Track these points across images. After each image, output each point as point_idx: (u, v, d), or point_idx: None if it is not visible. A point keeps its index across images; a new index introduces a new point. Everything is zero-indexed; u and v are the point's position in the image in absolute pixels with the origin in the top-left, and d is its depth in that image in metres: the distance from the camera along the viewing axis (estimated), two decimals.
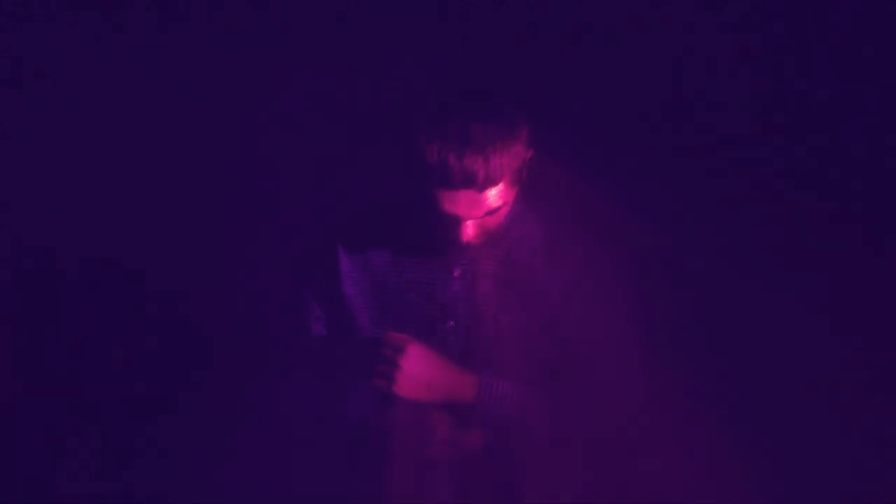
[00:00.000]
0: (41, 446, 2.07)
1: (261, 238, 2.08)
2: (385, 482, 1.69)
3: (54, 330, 2.12)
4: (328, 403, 1.75)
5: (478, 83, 1.66)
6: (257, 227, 2.09)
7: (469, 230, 1.64)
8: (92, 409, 2.09)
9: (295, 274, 1.81)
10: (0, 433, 2.08)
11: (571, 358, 1.72)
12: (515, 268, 1.76)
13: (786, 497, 1.84)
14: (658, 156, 1.96)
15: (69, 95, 2.06)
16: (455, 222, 1.63)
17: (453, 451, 1.71)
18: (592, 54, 1.97)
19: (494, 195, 1.61)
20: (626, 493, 1.73)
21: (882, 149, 1.90)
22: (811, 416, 1.87)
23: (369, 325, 1.77)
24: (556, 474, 1.71)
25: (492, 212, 1.63)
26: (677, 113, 1.97)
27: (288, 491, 1.75)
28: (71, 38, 2.06)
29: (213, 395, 2.02)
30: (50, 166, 2.08)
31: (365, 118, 2.03)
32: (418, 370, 1.67)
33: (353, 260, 1.78)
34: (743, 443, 1.82)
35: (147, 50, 2.05)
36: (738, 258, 1.91)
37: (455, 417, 1.71)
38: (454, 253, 1.73)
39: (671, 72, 1.97)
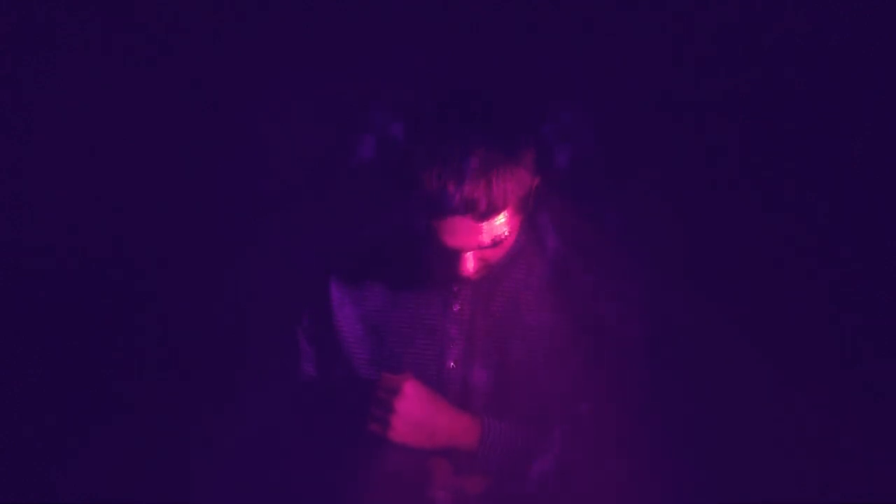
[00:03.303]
0: (38, 446, 2.07)
1: (257, 240, 2.07)
2: None
3: (46, 329, 2.12)
4: (318, 449, 1.66)
5: (479, 98, 1.56)
6: (253, 229, 2.08)
7: (469, 263, 1.55)
8: (87, 410, 2.09)
9: (285, 310, 1.73)
10: None
11: (579, 399, 1.63)
12: (519, 304, 1.66)
13: None
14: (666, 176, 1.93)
15: (66, 95, 2.06)
16: (454, 254, 1.54)
17: (453, 498, 1.60)
18: (592, 53, 1.97)
19: (497, 225, 1.51)
20: None
21: (883, 148, 1.89)
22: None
23: (364, 366, 1.68)
24: None
25: (494, 243, 1.53)
26: (679, 115, 1.96)
27: None
28: (69, 37, 2.05)
29: (204, 399, 2.01)
30: (47, 167, 2.08)
31: (364, 121, 2.03)
32: (415, 413, 1.55)
33: (347, 297, 1.69)
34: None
35: (143, 50, 2.05)
36: (749, 266, 1.89)
37: (455, 463, 1.61)
38: (453, 288, 1.65)
39: (672, 72, 1.96)
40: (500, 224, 1.52)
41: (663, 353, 1.68)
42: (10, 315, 2.11)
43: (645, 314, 1.68)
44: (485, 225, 1.50)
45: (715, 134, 1.94)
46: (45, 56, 2.06)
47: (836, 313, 1.89)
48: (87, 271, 2.12)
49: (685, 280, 1.86)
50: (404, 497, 1.61)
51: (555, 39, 1.96)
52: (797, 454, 1.84)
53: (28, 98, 2.07)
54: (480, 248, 1.54)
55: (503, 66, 1.88)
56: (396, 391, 1.56)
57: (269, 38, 2.03)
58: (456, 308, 1.67)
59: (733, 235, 1.93)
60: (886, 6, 1.84)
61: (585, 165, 1.81)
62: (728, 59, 1.93)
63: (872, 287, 1.89)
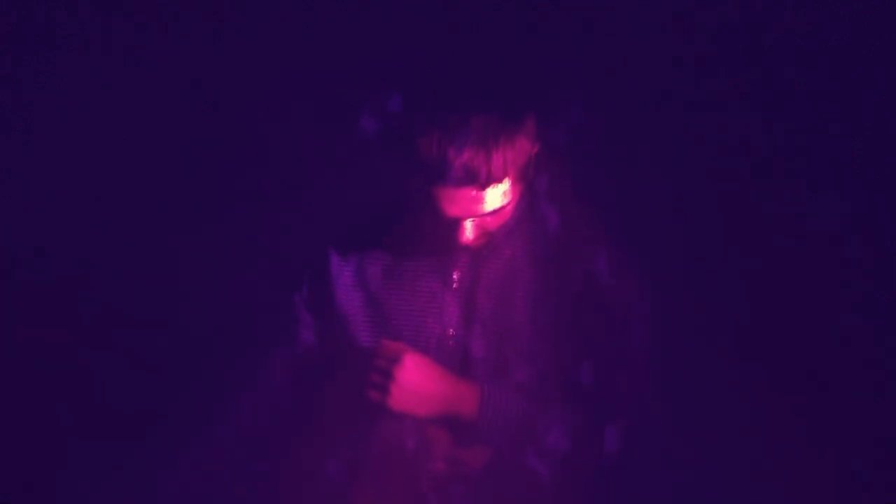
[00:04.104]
0: (36, 448, 2.07)
1: (257, 240, 2.08)
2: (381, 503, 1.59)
3: (46, 329, 2.12)
4: (315, 417, 1.65)
5: (478, 70, 1.56)
6: (250, 226, 2.08)
7: (468, 231, 1.55)
8: (83, 411, 2.09)
9: (285, 279, 1.73)
10: None
11: (579, 369, 1.60)
12: (518, 272, 1.65)
13: None
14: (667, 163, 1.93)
15: (66, 95, 2.06)
16: (454, 223, 1.54)
17: (454, 469, 1.60)
18: (592, 53, 1.96)
19: (497, 194, 1.51)
20: None
21: (883, 148, 1.89)
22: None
23: (363, 334, 1.68)
24: (567, 494, 1.58)
25: (494, 212, 1.53)
26: (679, 115, 1.96)
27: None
28: (69, 37, 2.05)
29: (200, 397, 2.00)
30: (47, 167, 2.08)
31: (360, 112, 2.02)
32: (415, 381, 1.55)
33: (346, 265, 1.69)
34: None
35: (143, 50, 2.05)
36: (745, 262, 1.90)
37: (456, 433, 1.59)
38: (452, 256, 1.64)
39: (672, 72, 1.96)
40: (500, 192, 1.52)
41: (662, 331, 1.68)
42: (10, 315, 2.12)
43: (645, 287, 1.67)
44: (484, 193, 1.50)
45: (715, 134, 1.94)
46: (45, 56, 2.06)
47: (836, 312, 1.89)
48: (86, 271, 2.12)
49: (684, 280, 1.86)
50: (404, 469, 1.60)
51: (555, 39, 1.96)
52: (796, 454, 1.84)
53: (28, 98, 2.07)
54: (480, 216, 1.54)
55: (503, 66, 1.88)
56: (395, 359, 1.56)
57: (269, 38, 2.03)
58: (455, 276, 1.67)
59: (733, 235, 1.93)
60: (886, 6, 1.84)
61: (585, 134, 1.81)
62: (728, 59, 1.93)
63: (873, 287, 1.89)
